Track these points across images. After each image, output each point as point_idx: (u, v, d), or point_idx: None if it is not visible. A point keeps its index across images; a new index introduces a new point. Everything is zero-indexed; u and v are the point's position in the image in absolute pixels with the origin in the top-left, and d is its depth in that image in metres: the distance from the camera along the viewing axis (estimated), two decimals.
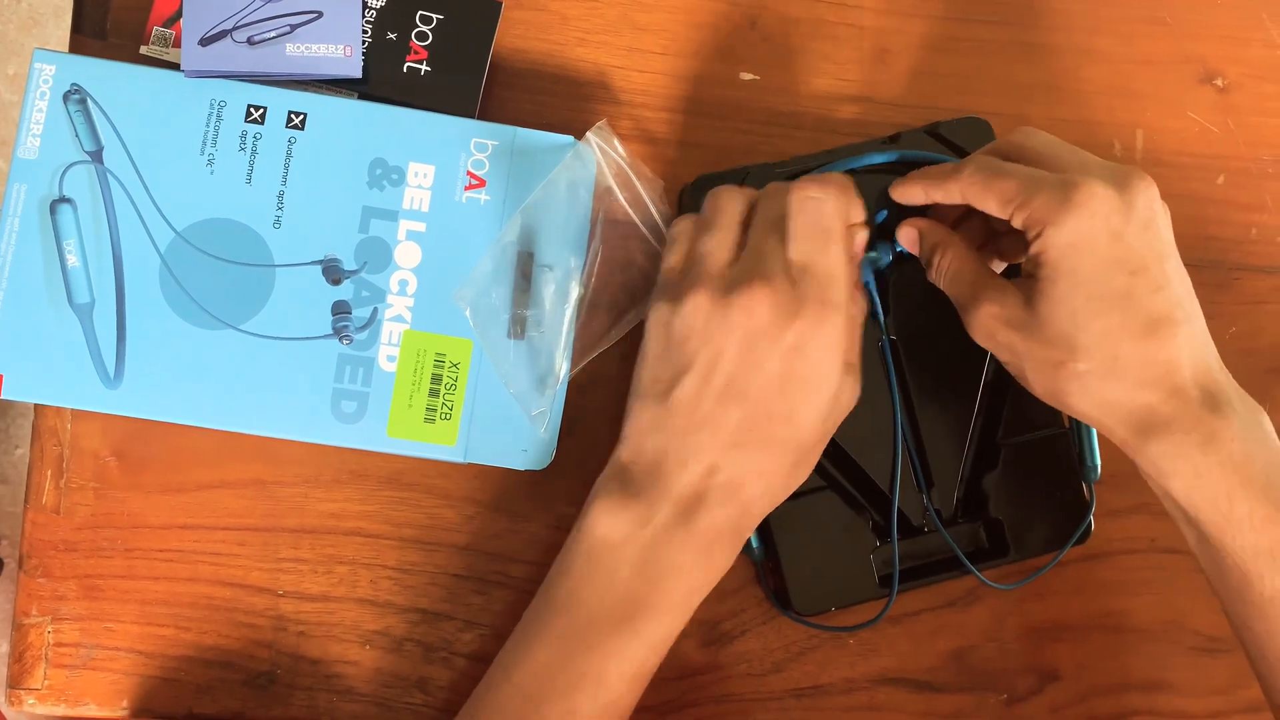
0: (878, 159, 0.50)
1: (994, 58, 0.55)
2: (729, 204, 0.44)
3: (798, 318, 0.41)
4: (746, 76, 0.54)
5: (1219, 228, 0.55)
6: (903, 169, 0.49)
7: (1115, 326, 0.41)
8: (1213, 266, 0.55)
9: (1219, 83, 0.56)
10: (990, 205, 0.43)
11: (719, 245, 0.43)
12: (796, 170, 0.49)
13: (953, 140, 0.51)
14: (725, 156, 0.53)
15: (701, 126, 0.53)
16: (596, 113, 0.52)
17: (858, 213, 0.44)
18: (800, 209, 0.43)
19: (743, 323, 0.41)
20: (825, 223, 0.43)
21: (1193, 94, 0.56)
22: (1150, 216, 0.42)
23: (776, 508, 0.44)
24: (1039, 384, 0.43)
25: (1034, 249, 0.42)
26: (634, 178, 0.50)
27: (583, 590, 0.42)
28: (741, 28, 0.54)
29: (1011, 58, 0.55)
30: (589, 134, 0.48)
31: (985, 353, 0.49)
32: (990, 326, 0.44)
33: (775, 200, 0.43)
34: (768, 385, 0.42)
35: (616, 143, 0.49)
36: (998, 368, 0.50)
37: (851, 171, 0.49)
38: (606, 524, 0.42)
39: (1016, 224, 0.43)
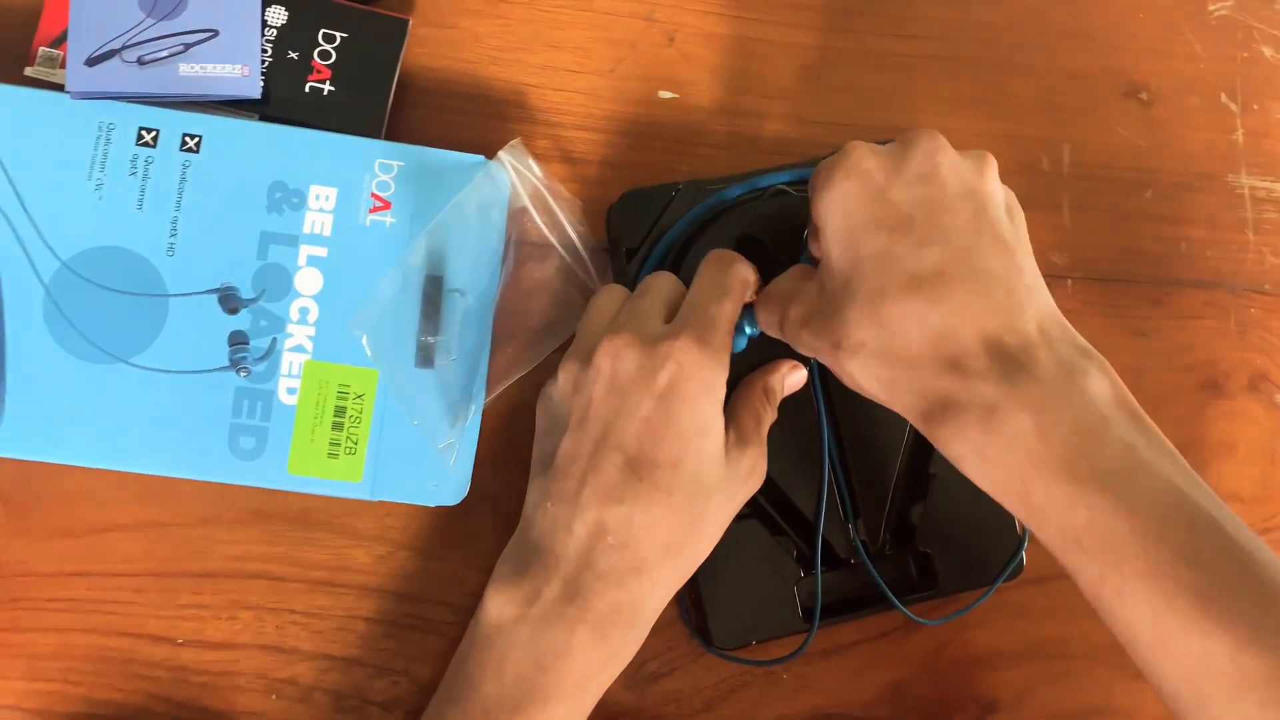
0: (804, 174, 0.48)
1: (918, 73, 0.55)
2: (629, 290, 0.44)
3: (669, 359, 0.39)
4: (665, 94, 0.52)
5: (1149, 242, 0.55)
6: None
7: (874, 290, 0.36)
8: (1145, 282, 0.54)
9: (1143, 96, 0.56)
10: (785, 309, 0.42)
11: (600, 315, 0.43)
12: (730, 187, 0.48)
13: None
14: (645, 175, 0.51)
15: (620, 145, 0.52)
16: (510, 132, 0.51)
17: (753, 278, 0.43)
18: (702, 269, 0.42)
19: (608, 367, 0.40)
20: (725, 281, 0.42)
21: (1118, 108, 0.56)
22: (929, 170, 0.38)
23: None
24: (846, 379, 0.39)
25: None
26: (550, 199, 0.48)
27: (476, 677, 0.40)
28: (659, 44, 0.53)
29: (936, 73, 0.55)
30: (501, 153, 0.47)
31: None
32: (797, 337, 0.40)
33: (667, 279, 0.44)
34: (646, 432, 0.39)
35: (531, 162, 0.48)
36: None
37: (786, 187, 0.48)
38: (498, 605, 0.40)
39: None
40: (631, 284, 0.46)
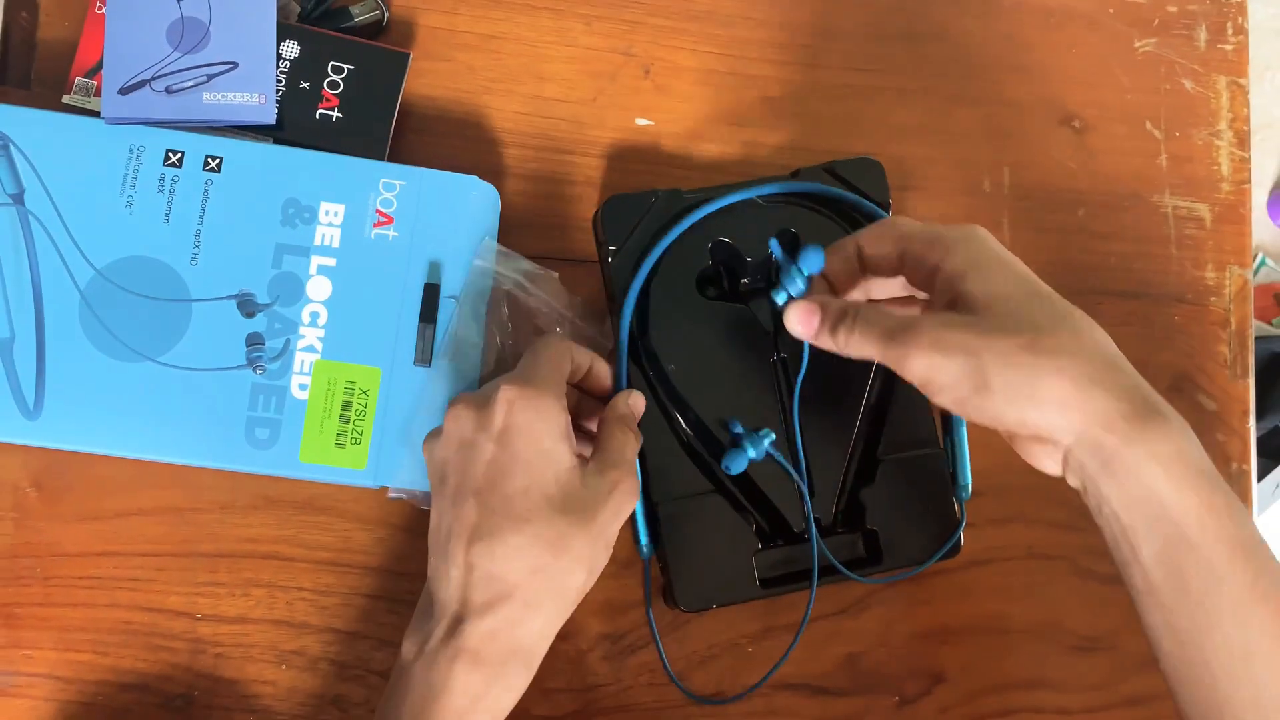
0: (776, 189, 0.54)
1: (873, 102, 0.60)
2: None
3: (499, 403, 0.43)
4: (642, 122, 0.57)
5: (1082, 255, 0.60)
6: (801, 200, 0.53)
7: (1052, 315, 0.42)
8: (1078, 293, 0.59)
9: (1076, 124, 0.61)
10: (885, 246, 0.45)
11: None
12: (705, 198, 0.53)
13: (847, 178, 0.55)
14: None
15: (600, 167, 0.57)
16: (500, 155, 0.56)
17: (581, 356, 0.48)
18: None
19: (454, 430, 0.44)
20: (550, 350, 0.47)
21: (1054, 134, 0.61)
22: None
23: (655, 522, 0.47)
24: (1004, 377, 0.40)
25: (945, 275, 0.43)
26: (526, 283, 0.52)
27: (387, 713, 0.43)
28: (636, 76, 0.58)
29: (889, 102, 0.60)
30: (476, 261, 0.51)
31: (868, 374, 0.53)
32: (937, 336, 0.41)
33: None
34: (493, 470, 0.43)
35: (500, 257, 0.52)
36: (880, 388, 0.53)
37: (753, 200, 0.53)
38: (405, 648, 0.44)
39: (910, 268, 0.45)
40: (613, 281, 0.52)
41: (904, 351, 0.42)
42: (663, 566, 0.52)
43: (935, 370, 0.41)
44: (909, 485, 0.53)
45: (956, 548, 0.53)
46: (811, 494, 0.52)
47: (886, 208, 0.55)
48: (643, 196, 0.53)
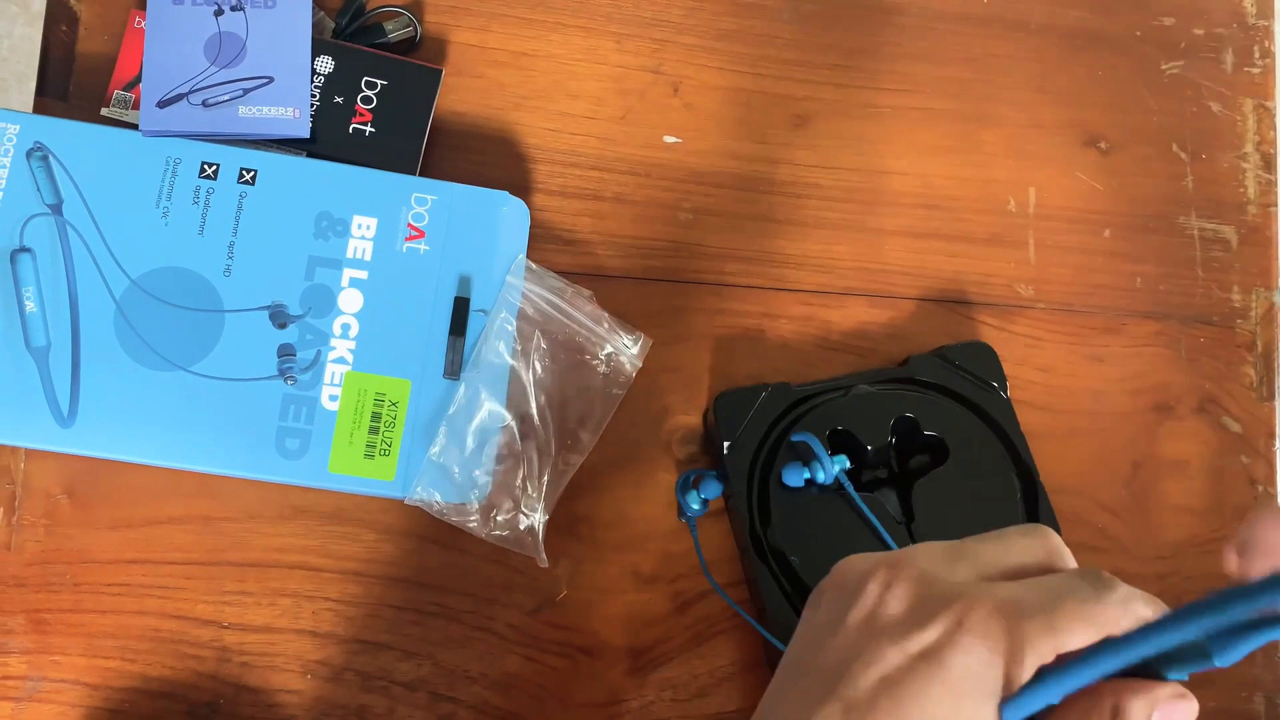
0: (887, 376, 0.54)
1: (899, 122, 0.60)
2: None
3: (947, 631, 0.31)
4: (670, 139, 0.58)
5: (1107, 277, 0.60)
6: (912, 384, 0.54)
7: None
8: (1102, 312, 0.59)
9: (1102, 145, 0.61)
10: None
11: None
12: (818, 391, 0.53)
13: (959, 363, 0.54)
14: (651, 210, 0.57)
15: (628, 184, 0.57)
16: (530, 171, 0.56)
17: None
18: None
19: (872, 594, 0.34)
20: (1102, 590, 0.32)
21: (1079, 155, 0.61)
22: None
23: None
24: None
25: None
26: (561, 301, 0.53)
27: None
28: (666, 94, 0.58)
29: (915, 122, 0.60)
30: (506, 277, 0.52)
31: None
32: None
33: None
34: (882, 689, 0.32)
35: (532, 274, 0.52)
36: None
37: (865, 387, 0.53)
38: None
39: None
40: (729, 475, 0.52)
41: None
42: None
43: None
44: None
45: None
46: None
47: (1003, 387, 0.54)
48: (752, 391, 0.53)
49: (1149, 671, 0.31)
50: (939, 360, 0.55)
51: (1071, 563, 0.33)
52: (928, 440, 0.53)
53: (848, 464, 0.51)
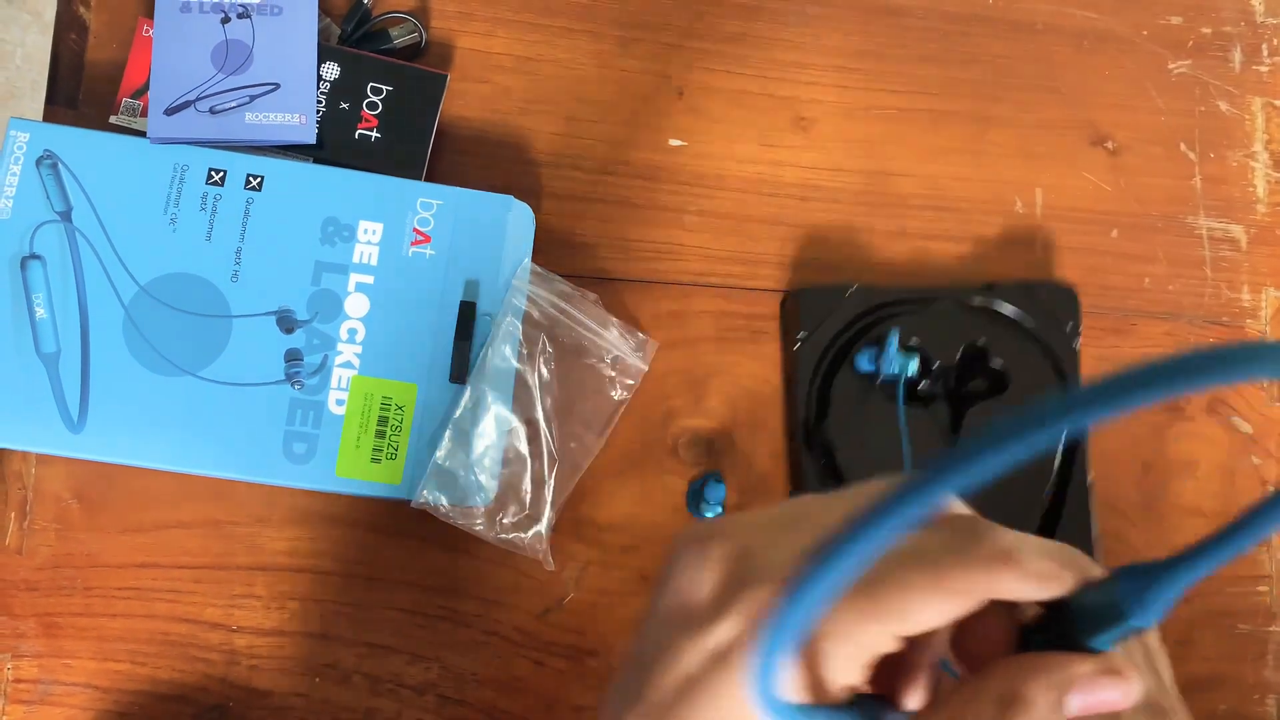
0: (969, 296, 0.56)
1: (905, 124, 0.60)
2: None
3: (733, 612, 0.28)
4: (674, 142, 0.58)
5: (1115, 278, 0.60)
6: (988, 314, 0.55)
7: None
8: (1111, 313, 0.59)
9: (1110, 145, 0.61)
10: None
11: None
12: (900, 299, 0.55)
13: (1041, 296, 0.56)
14: (657, 214, 0.57)
15: (634, 187, 0.57)
16: (536, 175, 0.57)
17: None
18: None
19: (682, 585, 0.30)
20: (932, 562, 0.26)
21: (1086, 155, 0.61)
22: None
23: None
24: None
25: None
26: (565, 305, 0.53)
27: None
28: (670, 98, 0.58)
29: (922, 124, 0.60)
30: (512, 281, 0.52)
31: (1044, 481, 0.54)
32: None
33: None
34: (660, 688, 0.28)
35: (544, 281, 0.53)
36: (1053, 497, 0.54)
37: (943, 306, 0.55)
38: None
39: None
40: (795, 372, 0.54)
41: None
42: None
43: None
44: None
45: None
46: None
47: (1076, 334, 0.56)
48: (836, 289, 0.55)
49: (1072, 642, 0.24)
50: (1021, 289, 0.56)
51: (957, 511, 0.28)
52: (992, 369, 0.54)
53: (917, 364, 0.53)
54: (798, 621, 0.22)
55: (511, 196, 0.53)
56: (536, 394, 0.52)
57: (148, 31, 0.53)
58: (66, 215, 0.50)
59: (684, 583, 0.28)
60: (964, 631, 0.26)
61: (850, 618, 0.24)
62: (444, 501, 0.50)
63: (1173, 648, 0.56)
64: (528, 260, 0.53)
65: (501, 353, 0.51)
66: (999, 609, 0.25)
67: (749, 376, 0.56)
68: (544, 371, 0.52)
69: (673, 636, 0.27)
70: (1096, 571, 0.25)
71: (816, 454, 0.53)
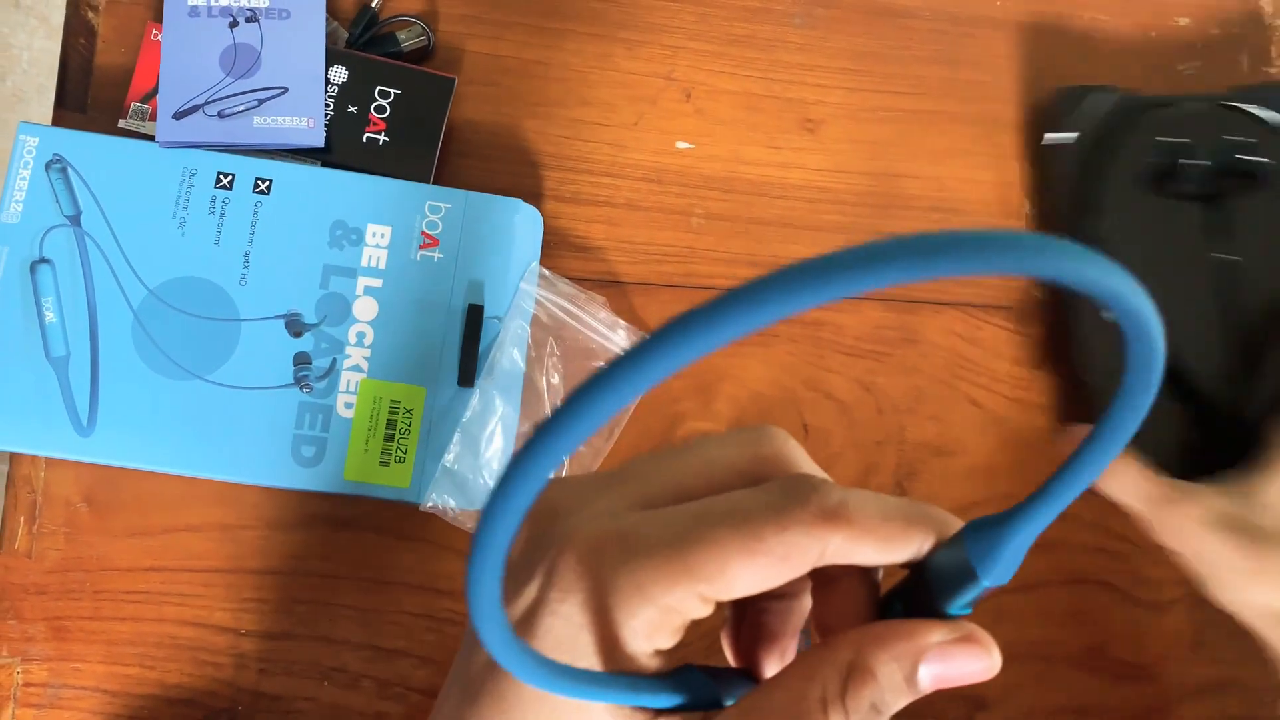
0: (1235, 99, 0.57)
1: (912, 126, 0.60)
2: None
3: (547, 565, 0.26)
4: (682, 145, 0.58)
5: None
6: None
7: None
8: None
9: None
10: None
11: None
12: (1162, 101, 0.57)
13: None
14: (664, 216, 0.57)
15: (641, 190, 0.57)
16: (543, 178, 0.57)
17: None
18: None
19: (528, 539, 0.28)
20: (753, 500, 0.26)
21: None
22: None
23: None
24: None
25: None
26: (574, 308, 0.53)
27: None
28: (677, 100, 0.58)
29: (928, 126, 0.60)
30: (520, 284, 0.52)
31: None
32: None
33: None
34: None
35: (546, 282, 0.53)
36: None
37: (1203, 109, 0.56)
38: None
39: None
40: (1044, 174, 0.58)
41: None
42: None
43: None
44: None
45: None
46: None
47: None
48: (1105, 91, 0.57)
49: (929, 608, 0.23)
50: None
51: (803, 470, 0.25)
52: (1247, 167, 0.55)
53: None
54: (498, 542, 0.18)
55: (519, 200, 0.53)
56: (545, 397, 0.52)
57: (156, 36, 0.54)
58: (76, 219, 0.50)
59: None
60: (819, 600, 0.25)
61: (652, 578, 0.22)
62: (453, 504, 0.50)
63: (1185, 651, 0.56)
64: (536, 263, 0.53)
65: (510, 356, 0.51)
66: (855, 575, 0.24)
67: (757, 380, 0.56)
68: (552, 374, 0.52)
69: None
70: (956, 527, 0.23)
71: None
